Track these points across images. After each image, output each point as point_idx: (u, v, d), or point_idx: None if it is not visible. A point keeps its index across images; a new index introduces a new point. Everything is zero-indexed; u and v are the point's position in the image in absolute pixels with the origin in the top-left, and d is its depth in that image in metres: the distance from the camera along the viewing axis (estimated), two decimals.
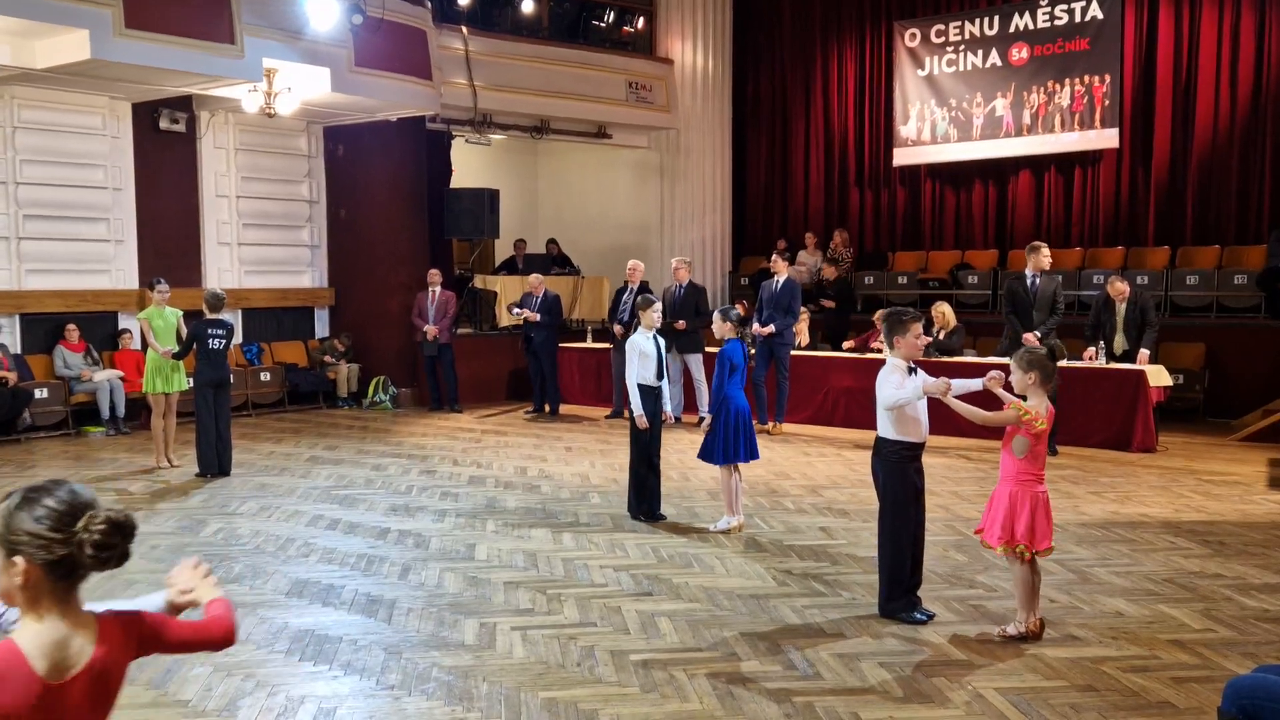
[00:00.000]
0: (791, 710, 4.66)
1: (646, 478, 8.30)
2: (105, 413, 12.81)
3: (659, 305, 8.46)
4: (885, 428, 5.87)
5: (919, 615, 5.84)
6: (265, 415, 14.50)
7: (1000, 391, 5.80)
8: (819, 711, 4.64)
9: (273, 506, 8.89)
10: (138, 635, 2.37)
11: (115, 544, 2.24)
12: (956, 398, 5.71)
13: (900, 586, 5.90)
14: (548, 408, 14.50)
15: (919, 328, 5.88)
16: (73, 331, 13.02)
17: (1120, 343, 11.76)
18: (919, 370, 5.91)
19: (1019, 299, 11.36)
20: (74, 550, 2.20)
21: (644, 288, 14.01)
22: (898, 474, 5.87)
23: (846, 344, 13.94)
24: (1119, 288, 11.76)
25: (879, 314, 13.73)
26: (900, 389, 5.74)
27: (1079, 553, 7.26)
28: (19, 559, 2.19)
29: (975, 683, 4.95)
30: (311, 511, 8.64)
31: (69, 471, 10.49)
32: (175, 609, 2.58)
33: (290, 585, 6.59)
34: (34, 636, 2.21)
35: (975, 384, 5.89)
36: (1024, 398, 5.62)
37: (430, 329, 14.49)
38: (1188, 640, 5.52)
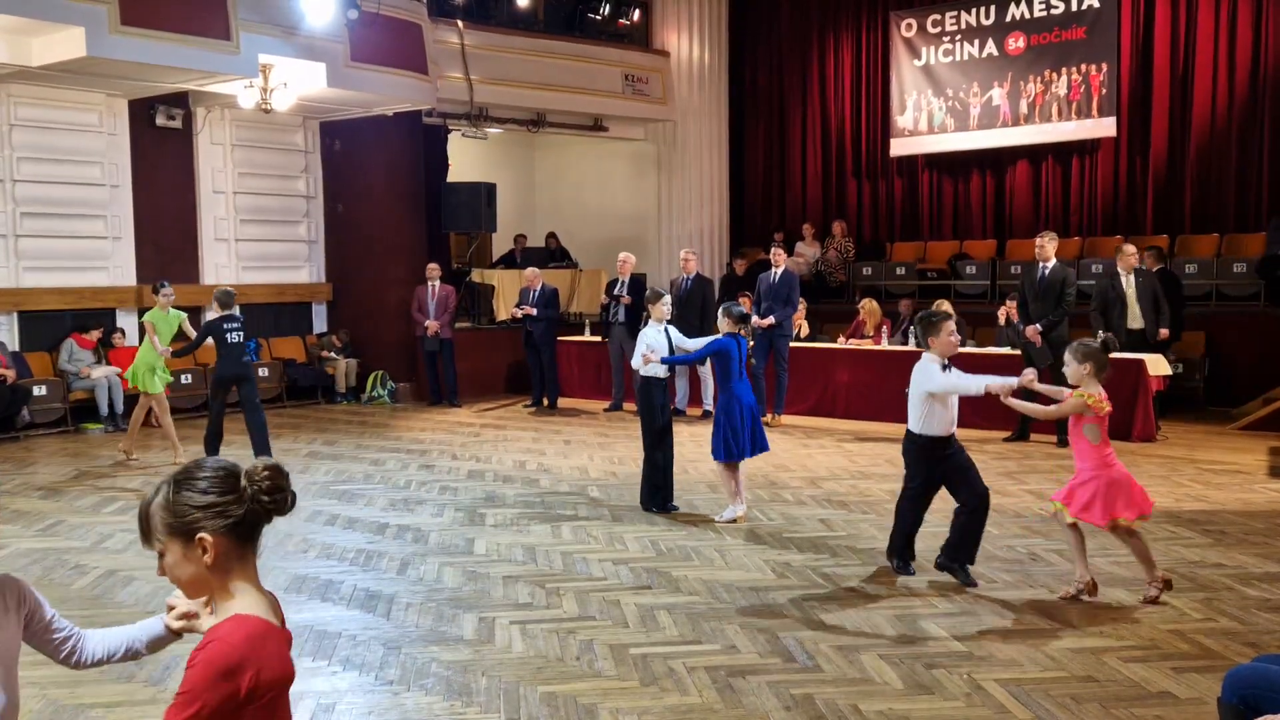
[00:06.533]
0: (791, 702, 4.65)
1: (662, 468, 8.31)
2: (104, 410, 12.82)
3: (668, 298, 8.50)
4: (914, 421, 6.31)
5: (909, 570, 6.48)
6: (264, 410, 14.45)
7: (1040, 387, 6.26)
8: (818, 704, 4.63)
9: None
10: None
11: (284, 485, 2.28)
12: (1014, 387, 6.16)
13: (900, 542, 6.52)
14: (546, 401, 14.49)
15: (951, 325, 6.31)
16: (95, 332, 13.10)
17: (1135, 319, 11.30)
18: (953, 367, 6.28)
19: (1023, 289, 11.30)
20: (250, 505, 2.24)
21: (636, 280, 14.02)
22: (921, 463, 6.34)
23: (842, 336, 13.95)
24: (1129, 259, 11.21)
25: (864, 303, 13.87)
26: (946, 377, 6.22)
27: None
28: (203, 535, 2.21)
29: (975, 674, 4.95)
30: (310, 507, 8.62)
31: (68, 468, 10.48)
32: (172, 634, 2.56)
33: (289, 581, 6.59)
34: (251, 604, 2.26)
35: (1011, 382, 6.17)
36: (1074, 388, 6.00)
37: (431, 324, 14.48)
38: (1188, 630, 5.51)
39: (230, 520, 2.22)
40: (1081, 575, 6.00)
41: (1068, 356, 6.01)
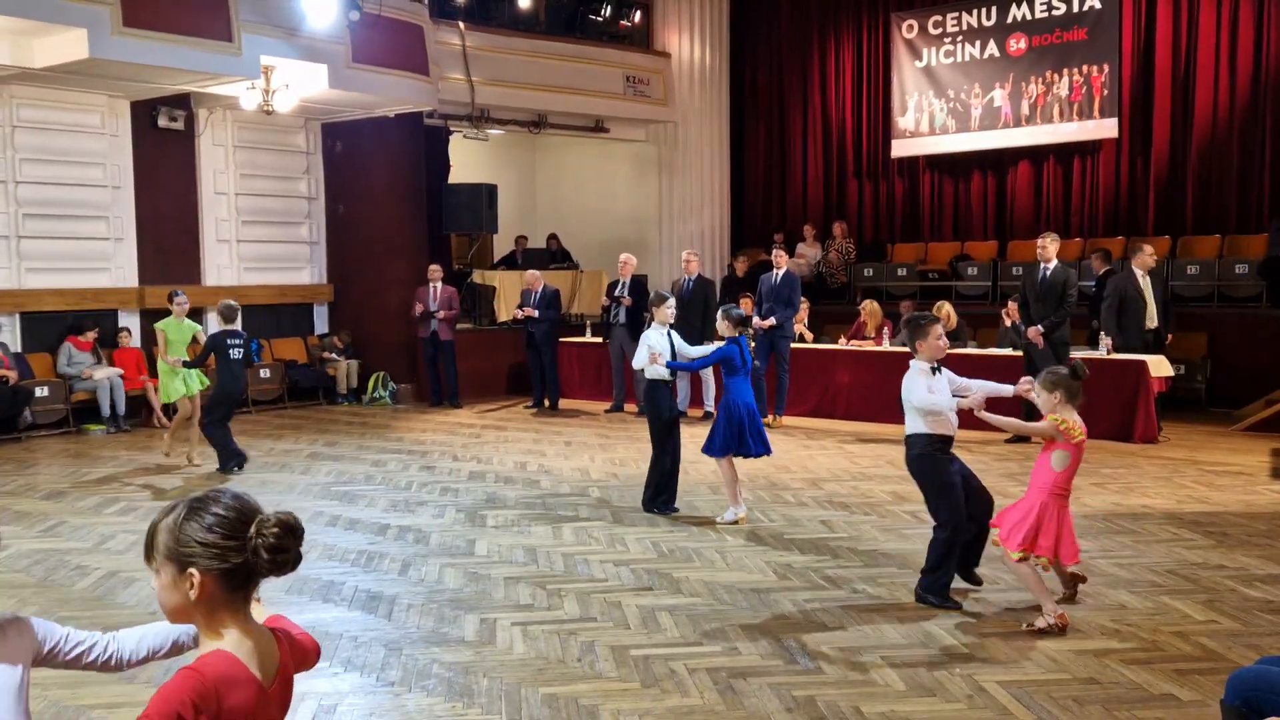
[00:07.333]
0: (793, 704, 4.65)
1: (671, 472, 8.31)
2: (105, 410, 12.81)
3: (672, 301, 8.49)
4: (914, 425, 5.99)
5: (951, 603, 5.93)
6: (265, 412, 14.49)
7: (1034, 397, 5.95)
8: (820, 705, 4.63)
9: (273, 503, 8.82)
10: (290, 648, 2.35)
11: (289, 546, 2.17)
12: (986, 399, 5.91)
13: (946, 577, 5.98)
14: (548, 402, 14.49)
15: (939, 329, 6.03)
16: (90, 333, 13.08)
17: (1152, 319, 11.31)
18: (943, 369, 6.04)
19: (1025, 290, 11.29)
20: (249, 556, 2.14)
21: (637, 281, 14.02)
22: (931, 462, 5.98)
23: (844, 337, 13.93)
24: (1146, 259, 11.21)
25: (865, 304, 13.85)
26: (931, 392, 5.89)
27: (1081, 545, 7.22)
28: (193, 570, 2.13)
29: (977, 676, 4.94)
30: (312, 508, 8.62)
31: (69, 470, 10.48)
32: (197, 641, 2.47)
33: (290, 582, 6.57)
34: (236, 644, 2.16)
35: (1006, 389, 6.03)
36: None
37: (424, 308, 14.45)
38: (1191, 632, 5.51)
39: (225, 566, 2.13)
40: (1057, 593, 5.84)
41: (1037, 388, 5.76)
